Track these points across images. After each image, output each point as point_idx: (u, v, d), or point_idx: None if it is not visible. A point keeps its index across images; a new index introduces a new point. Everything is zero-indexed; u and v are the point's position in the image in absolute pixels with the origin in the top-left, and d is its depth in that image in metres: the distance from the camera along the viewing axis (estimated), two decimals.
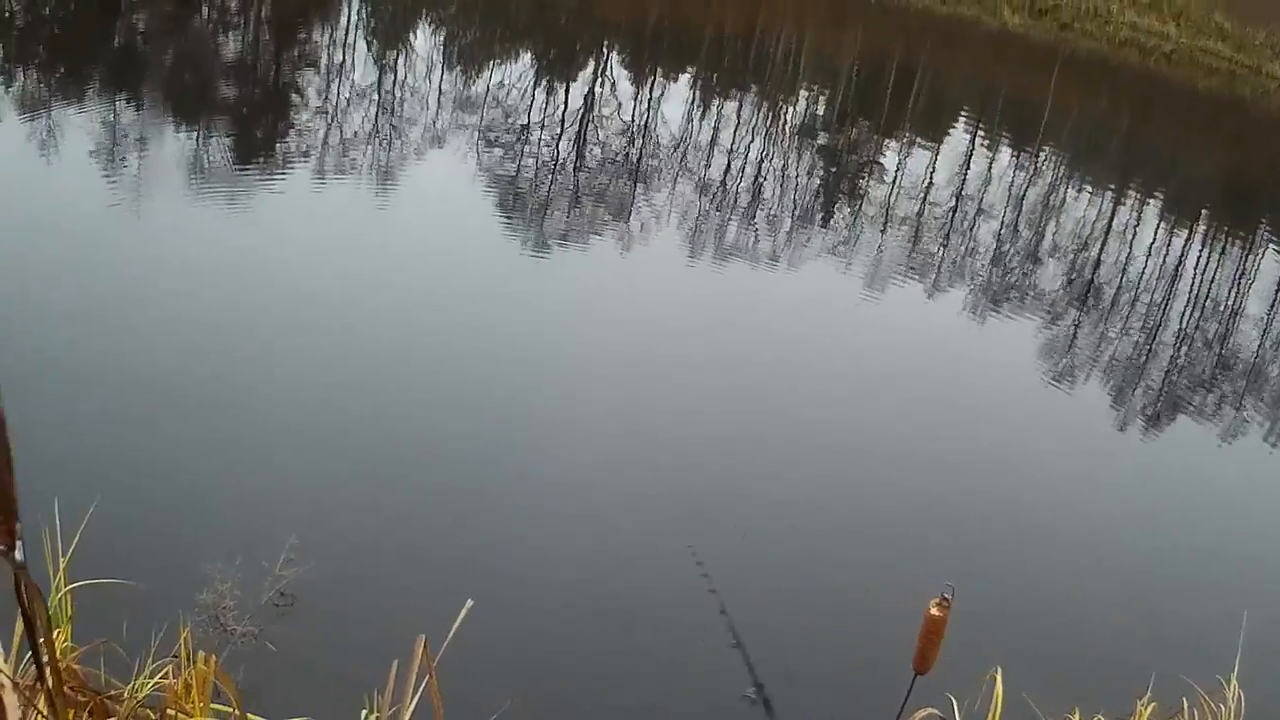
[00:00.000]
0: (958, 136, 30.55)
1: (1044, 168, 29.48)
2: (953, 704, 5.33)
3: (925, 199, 23.47)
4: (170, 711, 4.62)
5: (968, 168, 26.76)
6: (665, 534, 9.84)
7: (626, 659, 8.23)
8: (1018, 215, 24.46)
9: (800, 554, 10.01)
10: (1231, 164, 34.70)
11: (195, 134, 17.29)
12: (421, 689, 4.58)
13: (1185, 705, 6.62)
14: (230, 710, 4.67)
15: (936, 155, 27.38)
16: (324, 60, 23.66)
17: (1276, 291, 22.43)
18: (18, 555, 2.87)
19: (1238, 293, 22.22)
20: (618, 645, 8.34)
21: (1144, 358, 17.61)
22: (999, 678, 5.45)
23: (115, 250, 12.66)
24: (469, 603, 4.66)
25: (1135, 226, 25.16)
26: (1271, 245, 26.18)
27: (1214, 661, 6.90)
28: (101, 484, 7.46)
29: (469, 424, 10.75)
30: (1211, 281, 22.49)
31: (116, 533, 6.54)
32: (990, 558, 10.49)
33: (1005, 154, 29.66)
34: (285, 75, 22.31)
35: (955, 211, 23.36)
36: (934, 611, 4.95)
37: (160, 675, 4.95)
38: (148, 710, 4.72)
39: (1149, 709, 6.47)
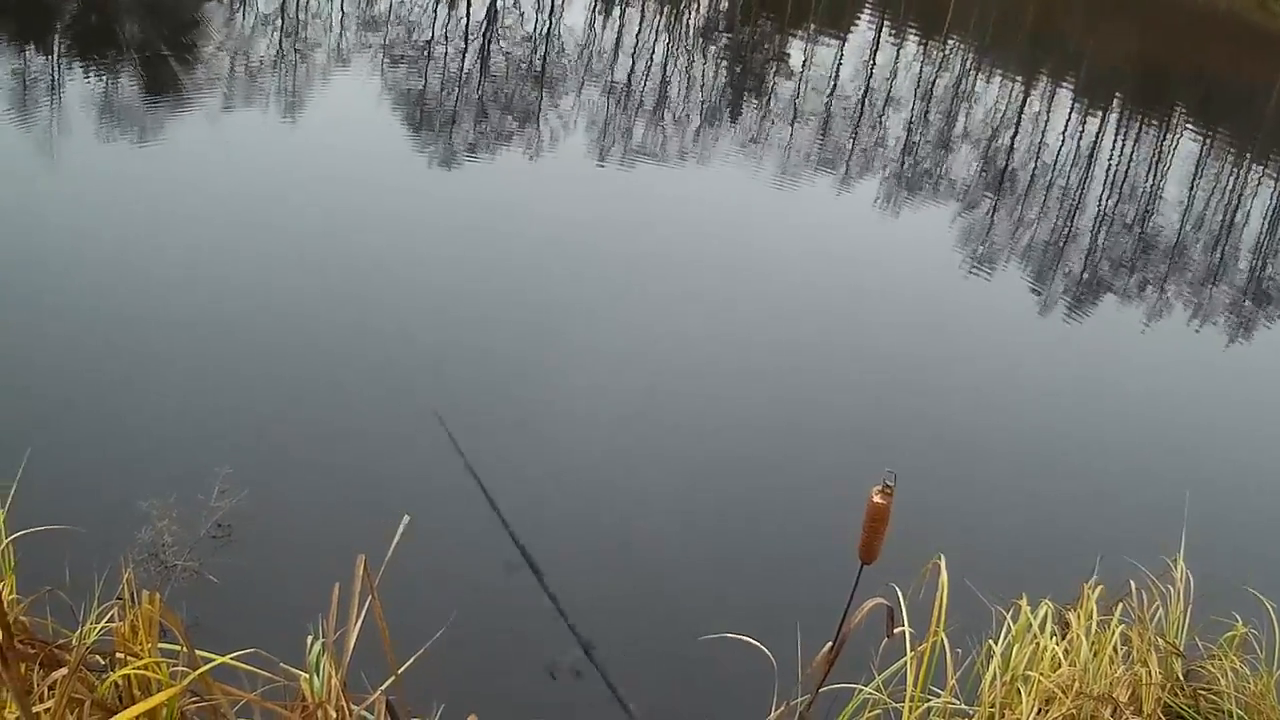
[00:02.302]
0: (863, 29, 30.49)
1: (953, 58, 29.50)
2: (898, 594, 5.38)
3: (833, 92, 23.47)
4: (120, 655, 4.62)
5: (875, 59, 26.76)
6: (598, 431, 9.91)
7: (568, 561, 8.27)
8: (930, 105, 24.51)
9: (740, 453, 10.08)
10: (1141, 48, 34.78)
11: (105, 69, 17.01)
12: (365, 610, 4.60)
13: (1133, 587, 6.66)
14: (178, 648, 4.68)
15: (843, 48, 27.34)
16: None
17: (1195, 172, 22.63)
18: None
19: (1156, 174, 22.40)
20: (557, 548, 8.38)
21: (1076, 241, 17.75)
22: (943, 565, 5.49)
23: (30, 191, 12.46)
24: (405, 518, 4.68)
25: (1049, 113, 25.27)
26: (1186, 128, 26.36)
27: (1159, 544, 6.93)
28: (32, 432, 7.42)
29: (397, 342, 10.70)
30: (1129, 164, 22.65)
31: (52, 479, 6.51)
32: (931, 447, 10.58)
33: (912, 45, 29.66)
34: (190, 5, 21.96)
35: (866, 103, 23.37)
36: (877, 499, 4.98)
37: (106, 619, 4.94)
38: (97, 656, 4.71)
39: (1096, 592, 6.49)
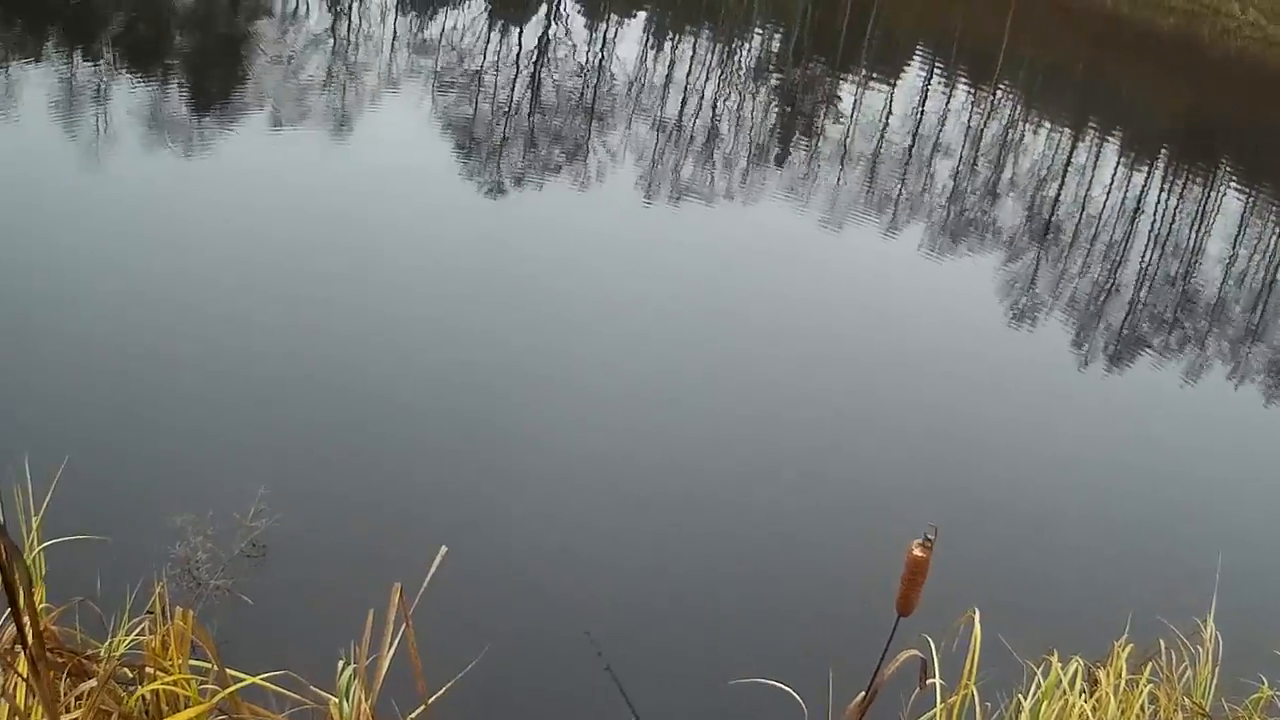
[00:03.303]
0: (913, 75, 30.46)
1: (1001, 106, 29.45)
2: (930, 645, 5.33)
3: (883, 137, 23.44)
4: (149, 669, 4.59)
5: (924, 105, 26.73)
6: (640, 477, 9.86)
7: (605, 600, 8.23)
8: (977, 153, 24.46)
9: (779, 501, 10.01)
10: (1191, 103, 34.68)
11: (153, 83, 17.11)
12: (399, 638, 4.57)
13: (1162, 647, 6.60)
14: (208, 665, 4.65)
15: (893, 93, 27.32)
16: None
17: (1238, 229, 22.49)
18: None
19: (1200, 230, 22.28)
20: (595, 586, 8.34)
21: (1117, 297, 17.65)
22: (976, 618, 5.44)
23: (79, 205, 12.49)
24: (443, 549, 4.64)
25: (1095, 165, 25.17)
26: (1231, 184, 26.23)
27: (1190, 603, 6.88)
28: (71, 441, 7.40)
29: (435, 372, 10.69)
30: (1174, 219, 22.53)
31: (87, 489, 6.47)
32: (966, 500, 10.48)
33: (962, 92, 29.62)
34: (242, 22, 22.09)
35: (914, 149, 23.33)
36: (917, 552, 4.91)
37: (136, 632, 4.91)
38: (126, 669, 4.68)
39: (1126, 650, 6.43)
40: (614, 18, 29.76)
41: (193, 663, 4.70)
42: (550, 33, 26.11)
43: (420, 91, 19.92)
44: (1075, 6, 43.65)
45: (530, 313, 12.24)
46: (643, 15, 31.05)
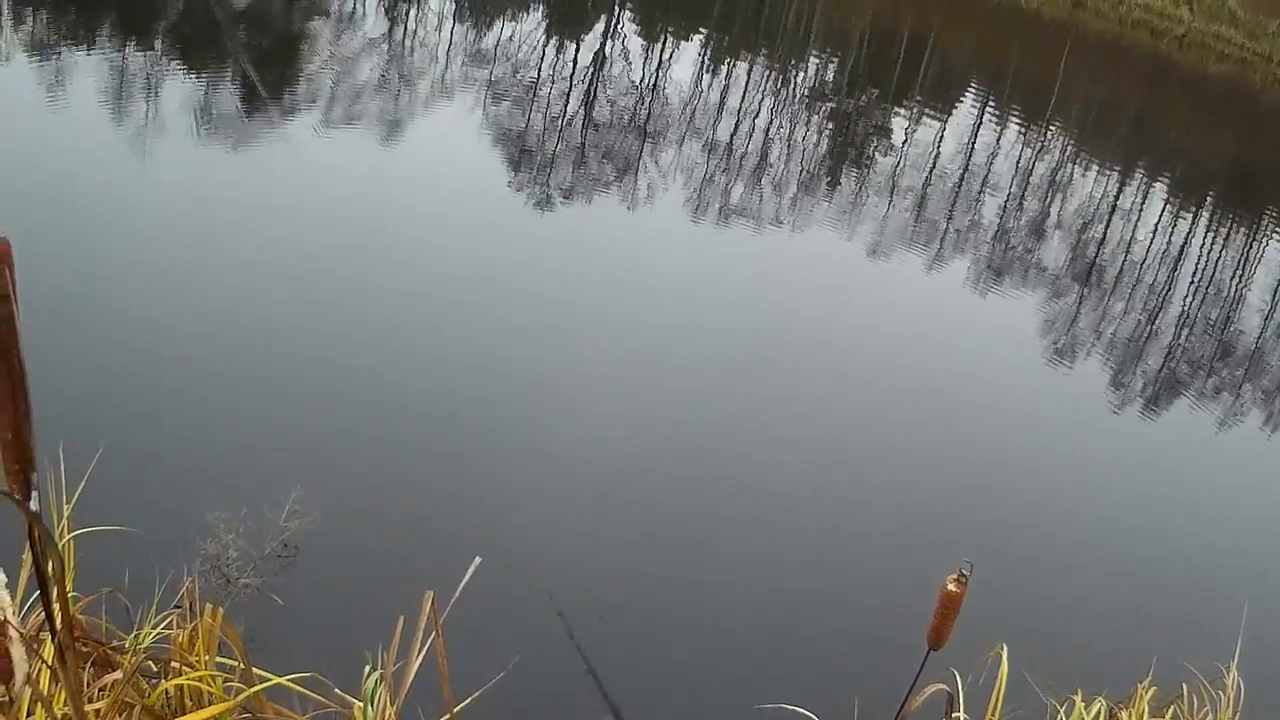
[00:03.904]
0: (966, 109, 30.39)
1: (1052, 145, 29.35)
2: (956, 679, 5.29)
3: (933, 170, 23.37)
4: (174, 664, 4.57)
5: (975, 141, 26.66)
6: (671, 497, 9.82)
7: (635, 618, 8.20)
8: (1025, 190, 24.37)
9: (806, 532, 9.97)
10: (1239, 150, 34.53)
11: (204, 80, 17.18)
12: (427, 646, 4.53)
13: (1185, 691, 6.60)
14: (234, 663, 4.62)
15: (945, 127, 27.26)
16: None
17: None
18: (32, 505, 2.79)
19: (1241, 278, 22.15)
20: (626, 603, 8.31)
21: (1155, 340, 17.55)
22: (1004, 655, 5.41)
23: (122, 198, 12.54)
24: (476, 559, 4.60)
25: (1141, 207, 25.06)
26: (1276, 234, 26.07)
27: (1215, 649, 6.87)
28: (106, 431, 7.40)
29: (475, 380, 10.68)
30: (1216, 265, 22.41)
31: (120, 481, 6.47)
32: (995, 536, 10.44)
33: (1013, 129, 29.53)
34: (295, 22, 22.18)
35: (963, 183, 23.26)
36: (952, 587, 4.89)
37: (163, 626, 4.90)
38: (151, 662, 4.66)
39: (1149, 693, 6.44)
40: (670, 38, 29.78)
41: (219, 660, 4.68)
42: (606, 49, 26.12)
43: (471, 100, 19.94)
44: (1128, 48, 43.59)
45: (575, 324, 12.26)
46: (699, 37, 31.09)
